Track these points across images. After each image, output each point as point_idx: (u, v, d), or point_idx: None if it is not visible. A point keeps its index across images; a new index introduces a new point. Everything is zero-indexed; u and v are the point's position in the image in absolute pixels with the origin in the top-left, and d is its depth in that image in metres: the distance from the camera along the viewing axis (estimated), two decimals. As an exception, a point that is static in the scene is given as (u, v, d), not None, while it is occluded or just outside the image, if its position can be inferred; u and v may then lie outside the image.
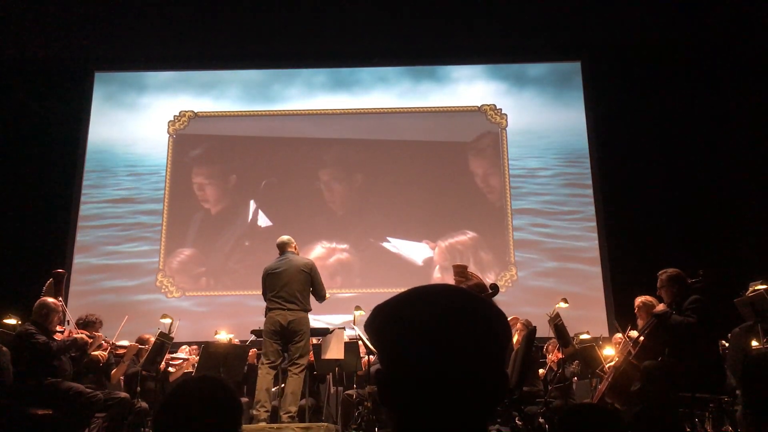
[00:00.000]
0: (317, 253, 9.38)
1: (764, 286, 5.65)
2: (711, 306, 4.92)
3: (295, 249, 6.28)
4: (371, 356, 6.60)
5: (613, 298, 8.96)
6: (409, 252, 9.50)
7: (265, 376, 5.80)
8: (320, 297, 6.13)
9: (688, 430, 4.82)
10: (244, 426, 5.42)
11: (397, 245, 9.52)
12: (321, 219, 9.69)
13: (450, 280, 5.86)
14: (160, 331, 6.29)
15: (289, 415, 5.63)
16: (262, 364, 5.85)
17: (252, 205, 9.81)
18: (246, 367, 7.06)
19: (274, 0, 9.23)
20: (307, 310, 5.98)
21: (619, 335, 6.42)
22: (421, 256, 9.50)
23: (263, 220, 9.72)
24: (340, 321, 8.12)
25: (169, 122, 10.19)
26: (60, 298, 5.83)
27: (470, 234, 9.55)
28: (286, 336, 5.85)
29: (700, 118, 9.44)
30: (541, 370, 7.12)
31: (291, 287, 5.90)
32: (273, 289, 5.94)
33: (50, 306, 5.45)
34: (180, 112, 10.24)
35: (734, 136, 9.25)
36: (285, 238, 6.30)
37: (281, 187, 9.88)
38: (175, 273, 9.49)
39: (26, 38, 9.63)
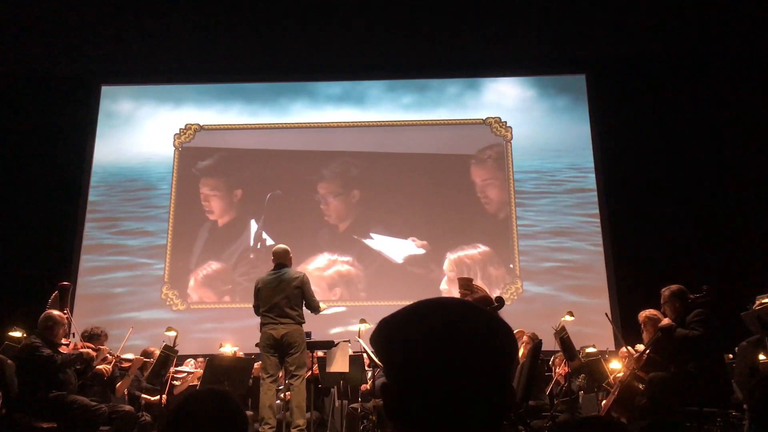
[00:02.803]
0: (319, 264, 9.41)
1: (771, 300, 5.62)
2: (715, 319, 4.91)
3: (290, 260, 6.28)
4: (377, 370, 6.59)
5: (620, 311, 8.91)
6: (413, 262, 9.49)
7: (266, 393, 5.81)
8: (313, 309, 6.15)
9: (696, 444, 4.79)
10: (249, 439, 5.40)
11: (398, 254, 9.51)
12: (326, 231, 9.70)
13: (456, 292, 5.85)
14: (165, 344, 6.28)
15: (299, 428, 5.64)
16: (263, 379, 5.86)
17: (255, 223, 9.82)
18: (251, 380, 7.04)
19: (280, 14, 9.26)
20: (301, 323, 6.00)
21: (625, 349, 6.39)
22: (427, 268, 9.48)
23: (267, 234, 9.72)
24: (344, 333, 8.13)
25: (174, 135, 10.23)
26: (65, 311, 5.84)
27: (481, 248, 9.54)
28: (281, 349, 5.87)
29: (705, 131, 9.43)
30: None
31: (283, 302, 5.93)
32: (265, 304, 5.98)
33: (56, 319, 5.45)
34: (186, 125, 10.28)
35: (740, 148, 9.23)
36: (282, 248, 6.29)
37: (286, 199, 9.89)
38: (186, 288, 9.50)
39: (33, 53, 9.70)
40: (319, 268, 9.38)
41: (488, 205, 9.78)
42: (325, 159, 10.06)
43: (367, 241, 9.58)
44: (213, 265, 9.61)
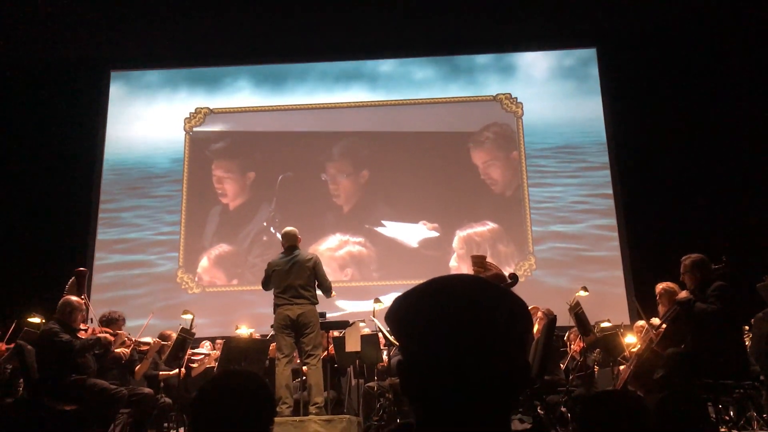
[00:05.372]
0: (331, 245, 9.44)
1: (788, 271, 5.57)
2: (734, 293, 4.86)
3: (299, 242, 6.33)
4: (392, 348, 6.62)
5: (634, 285, 8.89)
6: (423, 243, 9.49)
7: (282, 372, 5.87)
8: (326, 290, 6.20)
9: (713, 416, 4.78)
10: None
11: (409, 235, 9.51)
12: (332, 215, 9.71)
13: (467, 269, 5.85)
14: (182, 327, 6.32)
15: (317, 406, 5.71)
16: (278, 359, 5.92)
17: (267, 205, 9.83)
18: (267, 361, 7.10)
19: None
20: (315, 303, 6.06)
21: (640, 322, 6.37)
22: (437, 246, 9.48)
23: (279, 216, 9.74)
24: (359, 311, 8.17)
25: (185, 119, 10.24)
26: (83, 296, 5.89)
27: (490, 225, 9.52)
28: (296, 329, 5.93)
29: (719, 103, 9.31)
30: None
31: (297, 284, 5.99)
32: (279, 286, 6.04)
33: (74, 304, 5.51)
34: (196, 109, 10.28)
35: (755, 120, 9.11)
36: (290, 230, 6.34)
37: (298, 181, 9.90)
38: (197, 269, 9.56)
39: (41, 38, 9.69)
40: (331, 248, 9.41)
41: (494, 186, 9.74)
42: (335, 139, 10.05)
43: (380, 229, 9.58)
44: (224, 247, 9.67)
